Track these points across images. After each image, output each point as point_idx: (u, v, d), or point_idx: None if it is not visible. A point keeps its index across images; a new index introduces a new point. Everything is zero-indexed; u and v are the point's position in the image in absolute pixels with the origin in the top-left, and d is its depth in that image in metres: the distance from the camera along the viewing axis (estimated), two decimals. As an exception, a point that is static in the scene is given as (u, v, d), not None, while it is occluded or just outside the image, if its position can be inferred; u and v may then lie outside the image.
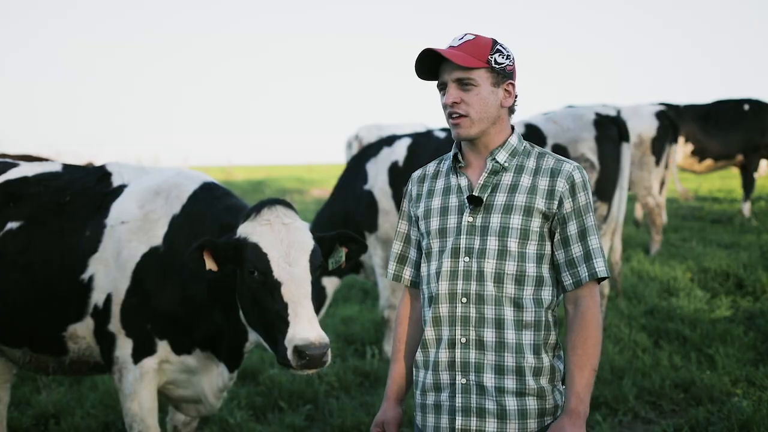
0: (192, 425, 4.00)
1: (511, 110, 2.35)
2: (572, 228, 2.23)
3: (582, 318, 2.20)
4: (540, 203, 2.23)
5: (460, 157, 2.35)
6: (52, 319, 3.46)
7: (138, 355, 3.41)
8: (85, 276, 3.41)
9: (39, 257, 3.45)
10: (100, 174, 3.67)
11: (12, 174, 3.72)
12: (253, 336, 3.45)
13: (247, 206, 3.59)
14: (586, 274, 2.21)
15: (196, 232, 3.40)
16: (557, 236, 2.24)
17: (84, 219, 3.49)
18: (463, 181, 2.31)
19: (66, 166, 3.81)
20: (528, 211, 2.23)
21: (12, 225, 3.51)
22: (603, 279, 2.24)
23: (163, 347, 3.43)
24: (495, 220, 2.24)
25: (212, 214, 3.47)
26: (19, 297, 3.46)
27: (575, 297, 2.24)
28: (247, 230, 3.16)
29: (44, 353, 3.59)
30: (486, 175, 2.29)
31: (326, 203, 6.47)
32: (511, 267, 2.22)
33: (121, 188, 3.58)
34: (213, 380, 3.59)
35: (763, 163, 11.77)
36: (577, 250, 2.22)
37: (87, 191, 3.58)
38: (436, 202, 2.34)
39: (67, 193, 3.58)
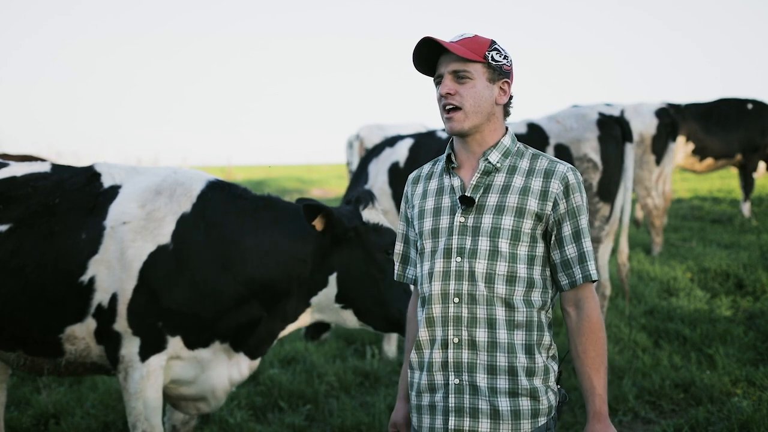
0: (191, 424, 4.00)
1: (506, 111, 2.35)
2: (567, 229, 2.24)
3: (588, 320, 2.23)
4: (533, 204, 2.23)
5: (453, 158, 2.35)
6: (47, 321, 3.43)
7: (146, 353, 3.40)
8: (85, 278, 3.39)
9: (30, 261, 3.40)
10: (89, 174, 3.63)
11: (0, 174, 3.67)
12: (306, 318, 3.70)
13: (273, 197, 3.74)
14: (581, 276, 2.24)
15: (214, 228, 3.47)
16: (553, 237, 2.25)
17: (76, 221, 3.46)
18: (456, 182, 2.32)
19: (55, 167, 3.76)
20: (519, 212, 2.23)
21: (0, 228, 3.47)
22: (595, 281, 2.28)
23: (174, 343, 3.43)
24: (486, 220, 2.24)
25: (238, 209, 3.57)
26: (11, 301, 3.41)
27: (576, 299, 2.26)
28: (374, 217, 3.63)
29: (39, 355, 3.56)
30: (478, 175, 2.29)
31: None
32: (502, 267, 2.22)
33: (115, 189, 3.56)
34: (224, 373, 3.60)
35: (761, 165, 11.74)
36: (571, 251, 2.24)
37: (76, 193, 3.55)
38: (429, 203, 2.36)
39: (56, 194, 3.54)
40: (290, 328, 3.69)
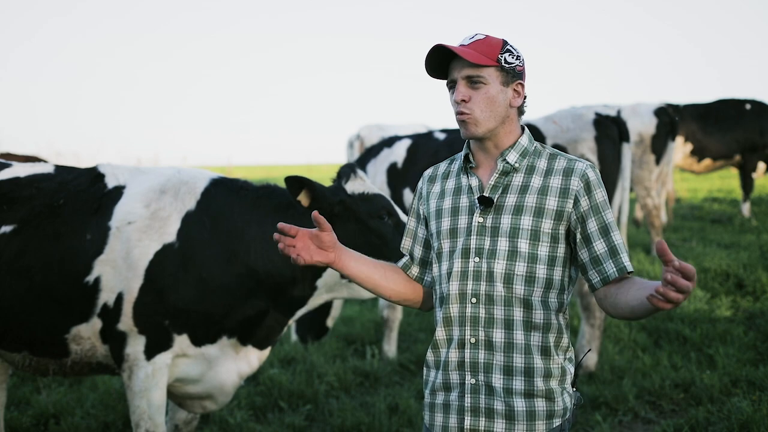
0: (193, 424, 4.00)
1: (521, 111, 2.33)
2: (592, 225, 2.20)
3: (631, 280, 2.12)
4: (552, 203, 2.21)
5: (471, 158, 2.35)
6: (53, 322, 3.44)
7: (151, 351, 3.40)
8: (90, 278, 3.39)
9: (35, 262, 3.40)
10: (93, 175, 3.64)
11: (3, 175, 3.67)
12: (317, 300, 3.70)
13: (272, 186, 3.77)
14: (614, 269, 2.17)
15: (219, 223, 3.49)
16: (578, 236, 2.22)
17: (81, 222, 3.46)
18: (474, 182, 2.31)
19: (58, 168, 3.76)
20: (539, 212, 2.21)
21: (5, 228, 3.47)
22: (630, 273, 2.20)
23: (180, 341, 3.44)
24: (505, 221, 2.23)
25: (240, 201, 3.60)
26: (16, 302, 3.41)
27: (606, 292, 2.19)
28: (358, 187, 3.64)
29: (45, 356, 3.56)
30: (497, 175, 2.28)
31: None
32: (521, 268, 2.21)
33: (119, 189, 3.57)
34: (232, 369, 3.60)
35: (761, 165, 11.75)
36: (600, 246, 2.19)
37: (81, 194, 3.55)
38: (447, 203, 2.35)
39: (60, 195, 3.54)
40: (300, 312, 3.71)
